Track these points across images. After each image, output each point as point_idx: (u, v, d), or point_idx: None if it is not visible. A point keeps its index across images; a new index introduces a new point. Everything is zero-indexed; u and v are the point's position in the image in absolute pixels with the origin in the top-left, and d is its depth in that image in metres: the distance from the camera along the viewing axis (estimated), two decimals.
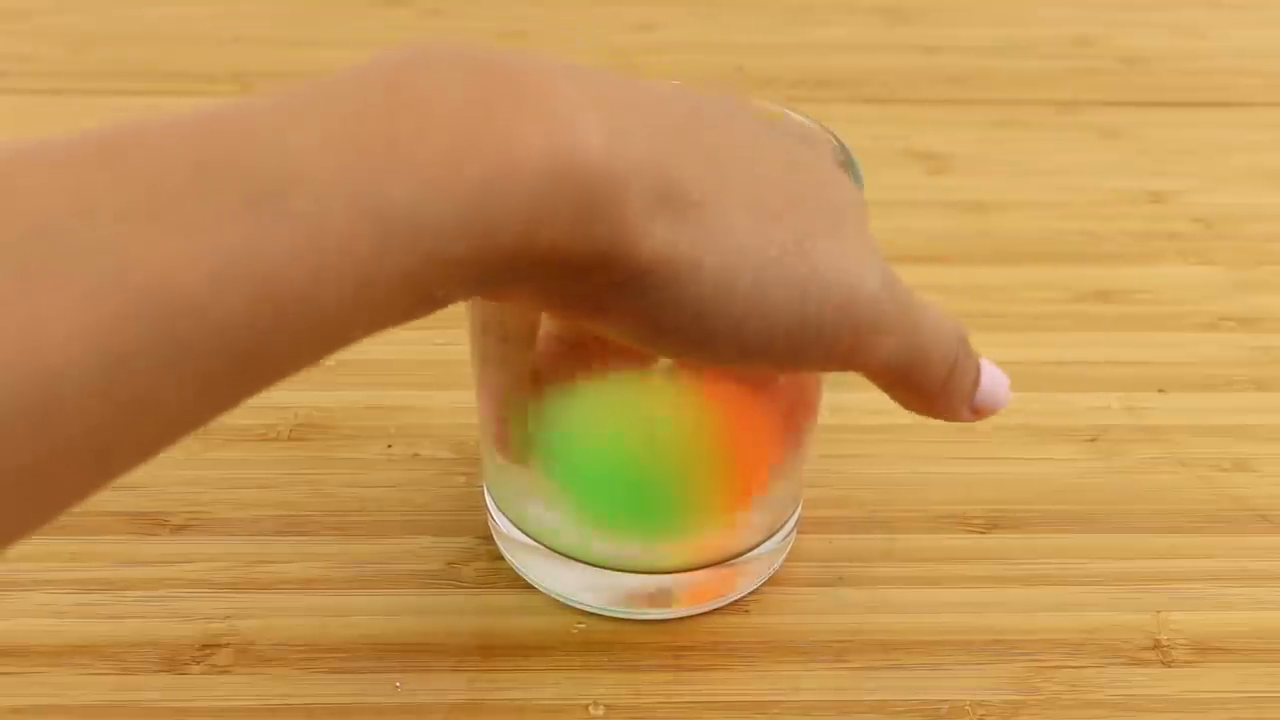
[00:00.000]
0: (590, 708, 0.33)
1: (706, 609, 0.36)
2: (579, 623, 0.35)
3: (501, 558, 0.37)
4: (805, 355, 0.25)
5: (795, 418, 0.34)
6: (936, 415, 0.29)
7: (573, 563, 0.35)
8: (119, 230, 0.17)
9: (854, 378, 0.27)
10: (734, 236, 0.23)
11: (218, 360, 0.18)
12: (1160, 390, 0.44)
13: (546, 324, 0.30)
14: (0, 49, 0.63)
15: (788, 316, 0.24)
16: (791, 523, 0.37)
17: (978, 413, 0.29)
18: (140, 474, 0.40)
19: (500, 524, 0.37)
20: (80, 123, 0.60)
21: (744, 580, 0.36)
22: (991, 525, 0.39)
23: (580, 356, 0.30)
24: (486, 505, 0.38)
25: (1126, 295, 0.49)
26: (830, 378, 0.41)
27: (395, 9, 0.67)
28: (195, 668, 0.34)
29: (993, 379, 0.29)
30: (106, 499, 0.38)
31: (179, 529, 0.38)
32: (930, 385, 0.28)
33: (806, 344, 0.25)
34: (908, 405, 0.29)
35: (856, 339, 0.26)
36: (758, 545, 0.36)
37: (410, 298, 0.21)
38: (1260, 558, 0.38)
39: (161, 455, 0.38)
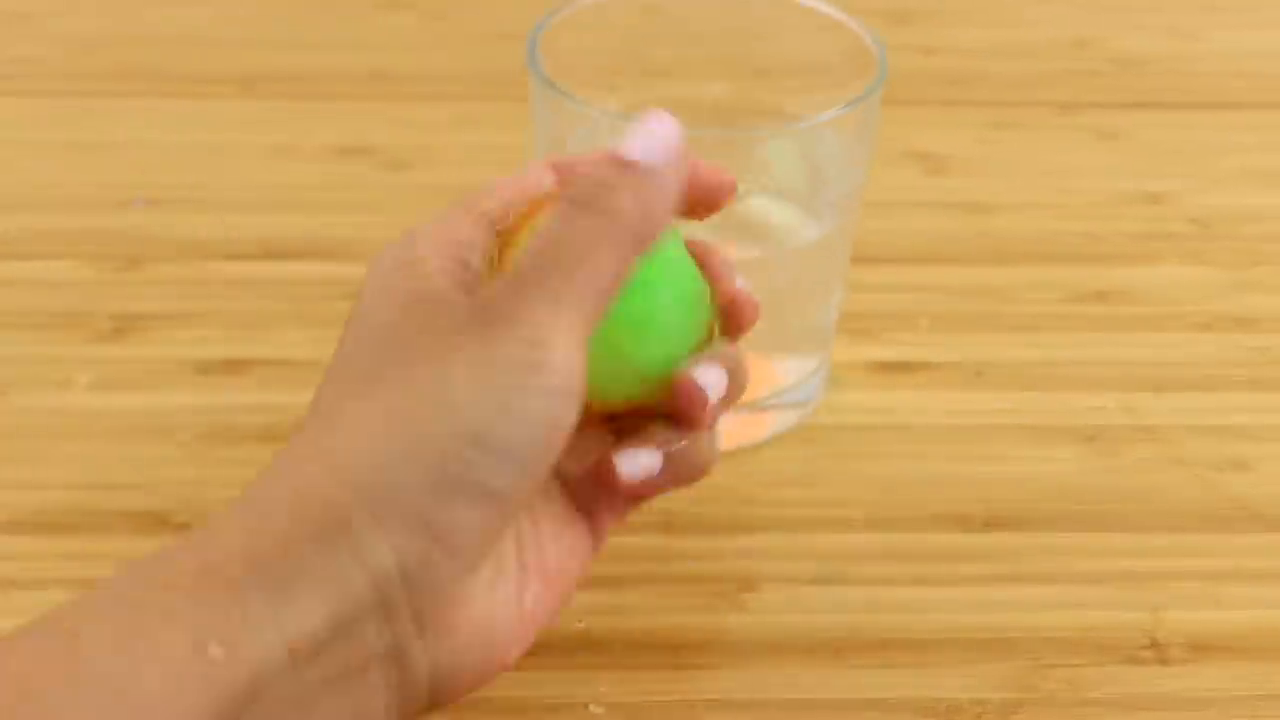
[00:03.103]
0: (590, 706, 0.33)
1: (734, 449, 0.39)
2: (579, 621, 0.36)
3: None
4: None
5: None
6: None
7: None
8: None
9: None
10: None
11: None
12: (1157, 390, 0.45)
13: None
14: (3, 52, 0.63)
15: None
16: (820, 375, 0.41)
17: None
18: (141, 474, 0.40)
19: None
20: (83, 125, 0.59)
21: (770, 425, 0.40)
22: (990, 525, 0.39)
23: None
24: None
25: (1124, 295, 0.49)
26: (828, 376, 0.42)
27: (398, 13, 0.67)
28: None
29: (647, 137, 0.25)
30: (107, 499, 0.39)
31: (180, 529, 0.38)
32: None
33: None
34: None
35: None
36: (785, 392, 0.39)
37: None
38: (1257, 557, 0.38)
39: (163, 455, 0.38)
